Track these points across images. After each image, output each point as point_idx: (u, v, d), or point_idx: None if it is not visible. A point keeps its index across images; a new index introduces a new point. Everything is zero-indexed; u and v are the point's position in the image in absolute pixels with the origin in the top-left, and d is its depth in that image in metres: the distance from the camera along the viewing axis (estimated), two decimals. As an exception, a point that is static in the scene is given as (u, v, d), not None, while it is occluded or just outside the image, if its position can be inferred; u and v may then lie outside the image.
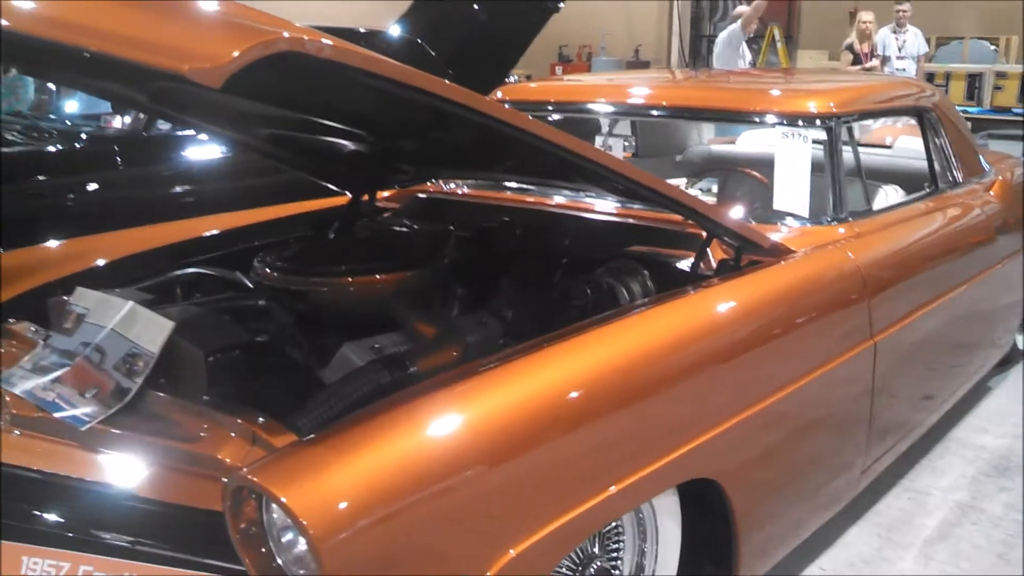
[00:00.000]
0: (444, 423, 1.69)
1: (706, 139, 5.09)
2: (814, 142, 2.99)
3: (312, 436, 1.63)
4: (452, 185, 3.52)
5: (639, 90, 3.64)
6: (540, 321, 2.62)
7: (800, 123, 3.01)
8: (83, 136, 4.42)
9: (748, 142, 4.83)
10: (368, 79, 1.68)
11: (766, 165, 3.68)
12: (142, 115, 4.31)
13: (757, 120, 3.21)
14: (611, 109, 3.57)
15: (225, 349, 1.96)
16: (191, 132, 4.32)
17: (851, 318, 2.67)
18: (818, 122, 3.02)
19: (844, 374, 2.62)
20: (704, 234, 2.73)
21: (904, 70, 9.34)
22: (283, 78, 1.87)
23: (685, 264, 2.68)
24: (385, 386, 2.04)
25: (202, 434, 1.80)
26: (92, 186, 4.11)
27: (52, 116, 4.96)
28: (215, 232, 3.21)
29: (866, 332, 2.72)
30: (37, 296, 2.54)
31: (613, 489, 1.86)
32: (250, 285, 2.73)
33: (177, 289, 2.79)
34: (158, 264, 2.89)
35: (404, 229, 3.07)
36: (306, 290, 2.38)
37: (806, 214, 2.90)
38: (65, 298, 2.23)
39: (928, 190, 3.61)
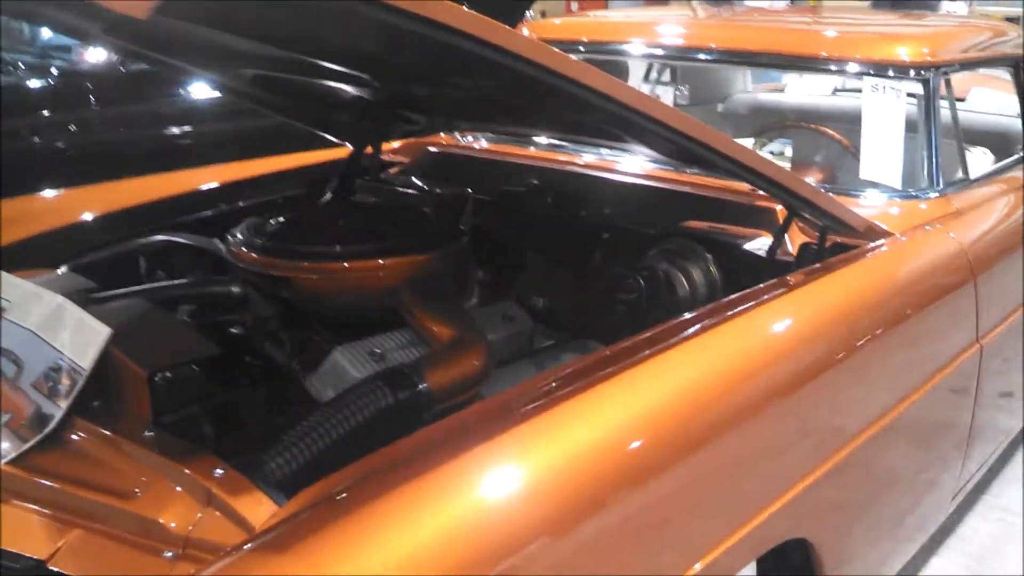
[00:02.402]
0: (496, 488, 1.24)
1: (750, 86, 4.56)
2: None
3: (299, 514, 1.17)
4: (469, 138, 3.03)
5: (688, 31, 3.12)
6: (579, 313, 2.17)
7: (890, 73, 2.50)
8: (53, 70, 3.91)
9: (797, 90, 4.31)
10: (368, 9, 1.22)
11: (834, 121, 3.20)
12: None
13: (835, 69, 2.70)
14: (657, 52, 3.06)
15: (176, 367, 1.49)
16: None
17: (958, 318, 2.20)
18: (912, 72, 2.51)
19: (947, 388, 2.16)
20: (777, 207, 2.25)
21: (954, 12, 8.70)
22: (267, 8, 1.46)
23: (756, 246, 2.20)
24: (387, 411, 1.58)
25: (138, 489, 1.35)
26: (59, 131, 3.60)
27: (24, 45, 4.43)
28: (195, 189, 2.74)
29: (972, 333, 2.25)
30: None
31: (696, 568, 1.41)
32: (227, 258, 2.26)
33: (140, 262, 2.32)
34: (123, 228, 2.43)
35: (413, 192, 2.59)
36: (290, 277, 1.90)
37: (898, 185, 2.41)
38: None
39: (1022, 155, 3.10)
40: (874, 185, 2.46)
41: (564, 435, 1.31)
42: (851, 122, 3.25)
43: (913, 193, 2.44)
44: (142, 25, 1.91)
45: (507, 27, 1.47)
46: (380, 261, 1.89)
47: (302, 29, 1.74)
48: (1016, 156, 3.06)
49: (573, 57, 1.55)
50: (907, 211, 2.38)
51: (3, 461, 1.42)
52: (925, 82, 2.50)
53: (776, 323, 1.76)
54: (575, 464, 1.28)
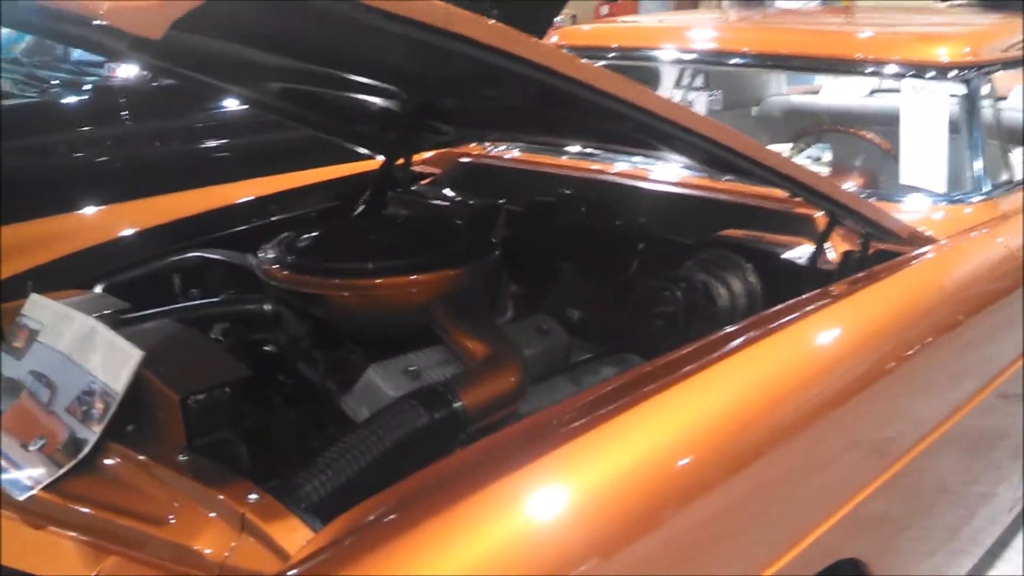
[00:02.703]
0: (541, 510, 1.20)
1: (785, 88, 4.49)
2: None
3: (336, 543, 1.15)
4: (500, 148, 3.00)
5: (721, 34, 3.07)
6: (615, 326, 2.12)
7: (931, 75, 2.44)
8: (86, 86, 3.93)
9: (833, 92, 4.23)
10: (395, 25, 1.20)
11: (873, 123, 3.13)
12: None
13: (872, 71, 2.64)
14: (689, 57, 3.01)
15: (208, 390, 1.47)
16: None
17: (1008, 325, 2.13)
18: (954, 73, 2.45)
19: (999, 397, 2.10)
20: (817, 214, 2.20)
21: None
22: (293, 22, 1.46)
23: (796, 255, 2.15)
24: (422, 432, 1.55)
25: (172, 516, 1.33)
26: (92, 148, 3.62)
27: (57, 61, 4.46)
28: (229, 204, 2.72)
29: (1021, 342, 2.18)
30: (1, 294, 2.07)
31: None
32: (259, 276, 2.25)
33: (175, 280, 2.32)
34: (157, 245, 2.42)
35: (445, 204, 2.57)
36: (322, 294, 1.88)
37: (942, 189, 2.35)
38: (20, 303, 1.75)
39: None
40: (916, 190, 2.40)
41: (610, 455, 1.28)
42: (890, 124, 3.19)
43: (957, 197, 2.38)
44: (163, 42, 1.91)
45: (535, 39, 1.45)
46: (412, 277, 1.86)
47: (328, 43, 1.72)
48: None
49: (601, 66, 1.52)
50: (951, 216, 2.32)
51: (39, 487, 1.40)
52: (967, 82, 2.44)
53: (821, 335, 1.71)
54: (621, 485, 1.25)
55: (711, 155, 1.76)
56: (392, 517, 1.17)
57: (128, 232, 2.51)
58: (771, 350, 1.61)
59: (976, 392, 1.99)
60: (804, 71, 3.46)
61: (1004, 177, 2.55)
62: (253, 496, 1.30)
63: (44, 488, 1.41)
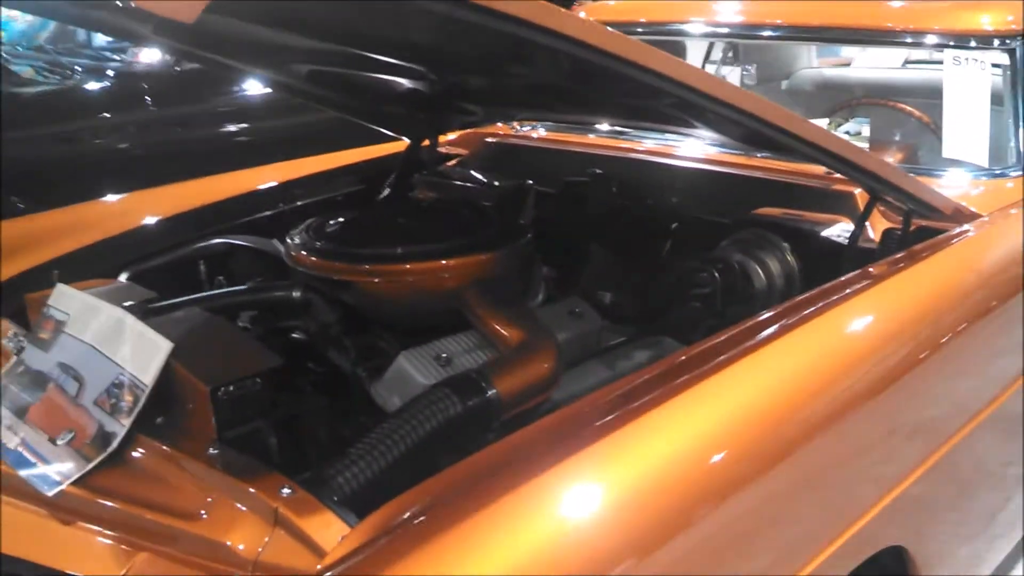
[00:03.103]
0: (577, 508, 1.16)
1: (815, 61, 4.40)
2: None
3: (373, 541, 1.11)
4: (526, 127, 2.95)
5: (753, 6, 2.99)
6: (650, 309, 2.08)
7: (973, 44, 2.36)
8: (109, 72, 3.91)
9: (865, 64, 4.14)
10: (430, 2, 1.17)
11: (907, 95, 3.05)
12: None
13: (912, 41, 2.56)
14: (721, 30, 2.94)
15: (239, 381, 1.44)
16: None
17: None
18: (997, 42, 2.37)
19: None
20: (856, 190, 2.14)
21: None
22: (321, 4, 1.42)
23: (835, 233, 2.09)
24: (455, 420, 1.51)
25: (204, 510, 1.30)
26: (117, 135, 3.59)
27: (80, 48, 4.44)
28: (254, 189, 2.69)
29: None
30: (28, 283, 2.05)
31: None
32: (287, 262, 2.22)
33: (201, 266, 2.29)
34: (182, 231, 2.40)
35: (473, 186, 2.52)
36: (352, 280, 1.85)
37: (985, 163, 2.28)
38: (46, 294, 1.73)
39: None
40: (957, 164, 2.33)
41: (645, 451, 1.23)
42: (925, 96, 3.11)
43: (1000, 171, 2.31)
44: (191, 25, 1.87)
45: (568, 12, 1.40)
46: (444, 262, 1.82)
47: (356, 24, 1.68)
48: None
49: (636, 40, 1.47)
50: (994, 191, 2.25)
51: (68, 481, 1.38)
52: (1011, 52, 2.36)
53: (864, 319, 1.65)
54: (658, 482, 1.21)
55: (751, 131, 1.70)
56: (428, 515, 1.14)
57: (152, 219, 2.49)
58: (811, 336, 1.55)
59: (1018, 373, 1.92)
60: (842, 43, 3.37)
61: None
62: (287, 490, 1.27)
63: (73, 483, 1.39)
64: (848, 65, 4.22)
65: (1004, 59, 2.36)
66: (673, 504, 1.21)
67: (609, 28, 1.42)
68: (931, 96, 3.12)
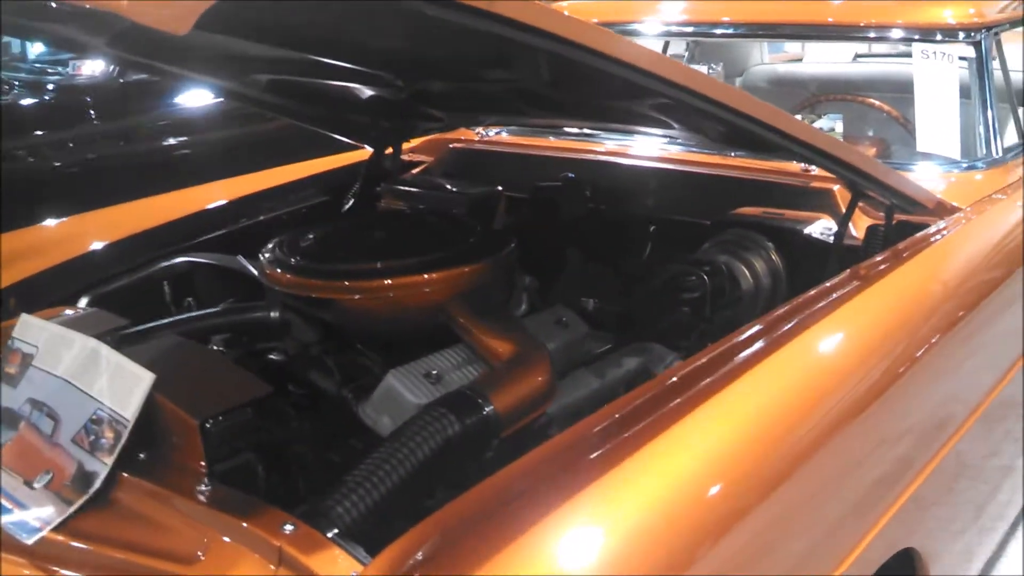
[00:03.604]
0: (576, 556, 1.11)
1: (767, 57, 4.41)
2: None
3: None
4: (491, 132, 2.89)
5: (710, 5, 2.97)
6: (636, 314, 2.04)
7: (939, 37, 2.37)
8: (50, 87, 3.76)
9: (816, 60, 4.17)
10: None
11: (861, 89, 3.07)
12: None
13: (876, 36, 2.57)
14: (685, 29, 2.92)
15: (229, 412, 1.36)
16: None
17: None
18: (962, 35, 2.38)
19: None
20: (835, 187, 2.13)
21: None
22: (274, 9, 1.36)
23: (818, 231, 2.07)
24: (454, 441, 1.45)
25: (201, 552, 1.22)
26: (62, 153, 3.44)
27: (15, 60, 4.27)
28: (213, 205, 2.60)
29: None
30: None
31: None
32: (255, 273, 2.14)
33: (165, 288, 2.19)
34: (140, 253, 2.30)
35: (443, 194, 2.46)
36: (331, 298, 1.77)
37: (957, 155, 2.28)
38: (10, 326, 1.63)
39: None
40: (928, 157, 2.33)
41: (644, 489, 1.17)
42: (880, 90, 3.13)
43: (969, 164, 2.31)
44: (150, 36, 1.78)
45: (555, 10, 1.34)
46: (429, 275, 1.76)
47: (321, 29, 1.62)
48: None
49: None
50: (967, 183, 2.25)
51: (49, 527, 1.29)
52: (976, 44, 2.37)
53: (861, 322, 1.61)
54: (658, 520, 1.15)
55: (735, 129, 1.66)
56: (440, 558, 1.08)
57: (107, 241, 2.38)
58: (808, 347, 1.51)
59: (1012, 364, 1.93)
60: (806, 39, 3.37)
61: (1015, 141, 2.49)
62: (289, 527, 1.20)
63: (53, 529, 1.30)
64: (800, 60, 4.24)
65: (970, 52, 2.37)
66: (679, 542, 1.16)
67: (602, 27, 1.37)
68: (887, 90, 3.15)
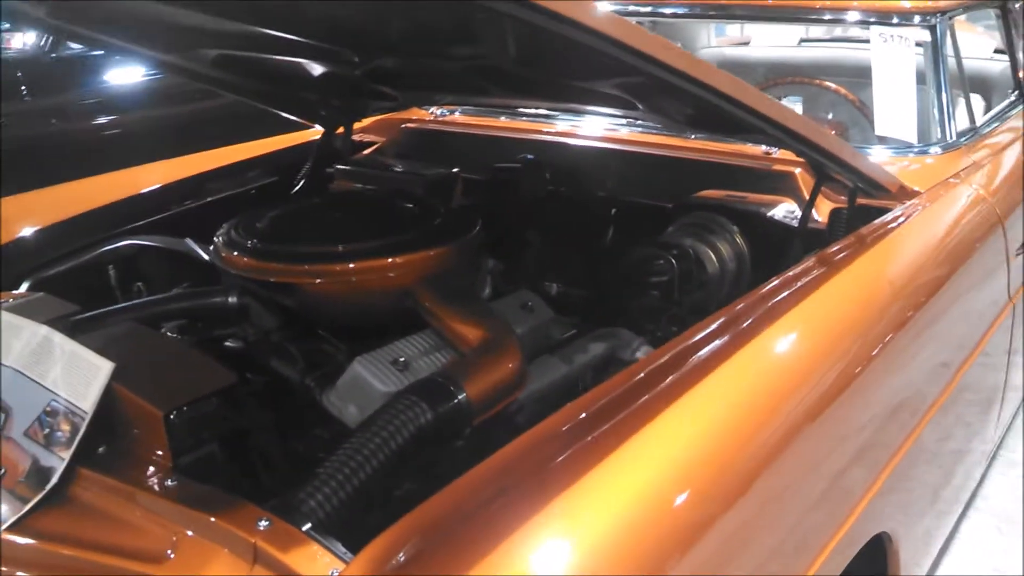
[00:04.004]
0: (560, 549, 1.08)
1: (714, 40, 4.42)
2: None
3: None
4: (443, 111, 2.83)
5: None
6: (602, 299, 2.01)
7: (895, 21, 2.38)
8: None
9: (764, 44, 4.18)
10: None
11: (807, 73, 3.09)
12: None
13: (831, 18, 2.57)
14: (641, 9, 2.89)
15: (195, 402, 1.30)
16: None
17: (994, 278, 2.10)
18: (918, 19, 2.40)
19: (989, 353, 2.07)
20: (796, 170, 2.13)
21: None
22: None
23: (781, 214, 2.07)
24: (427, 429, 1.41)
25: (170, 550, 1.16)
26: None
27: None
28: (156, 186, 2.50)
29: (1005, 293, 2.16)
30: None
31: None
32: (205, 257, 2.06)
33: (110, 272, 2.10)
34: (81, 236, 2.20)
35: (398, 175, 2.40)
36: (293, 283, 1.71)
37: (914, 139, 2.30)
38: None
39: (1016, 99, 3.02)
40: (883, 141, 2.35)
41: (616, 496, 1.15)
42: (828, 74, 3.15)
43: (921, 148, 2.33)
44: (92, 6, 1.69)
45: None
46: (395, 259, 1.70)
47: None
48: (1009, 100, 2.98)
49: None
50: (924, 167, 2.27)
51: (4, 527, 1.22)
52: (932, 28, 2.39)
53: (827, 312, 1.59)
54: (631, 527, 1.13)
55: (709, 109, 1.62)
56: (425, 556, 1.04)
57: (45, 224, 2.27)
58: (776, 340, 1.49)
59: (975, 347, 1.95)
60: (762, 21, 3.36)
61: (966, 125, 2.52)
62: (264, 522, 1.15)
63: (8, 528, 1.22)
64: (747, 44, 4.26)
65: (926, 36, 2.39)
66: (648, 550, 1.13)
67: None
68: (835, 74, 3.17)
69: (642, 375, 1.37)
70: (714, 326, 1.49)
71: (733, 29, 5.16)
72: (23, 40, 3.57)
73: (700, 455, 1.24)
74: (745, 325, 1.49)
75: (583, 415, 1.29)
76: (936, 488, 2.01)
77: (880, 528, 1.55)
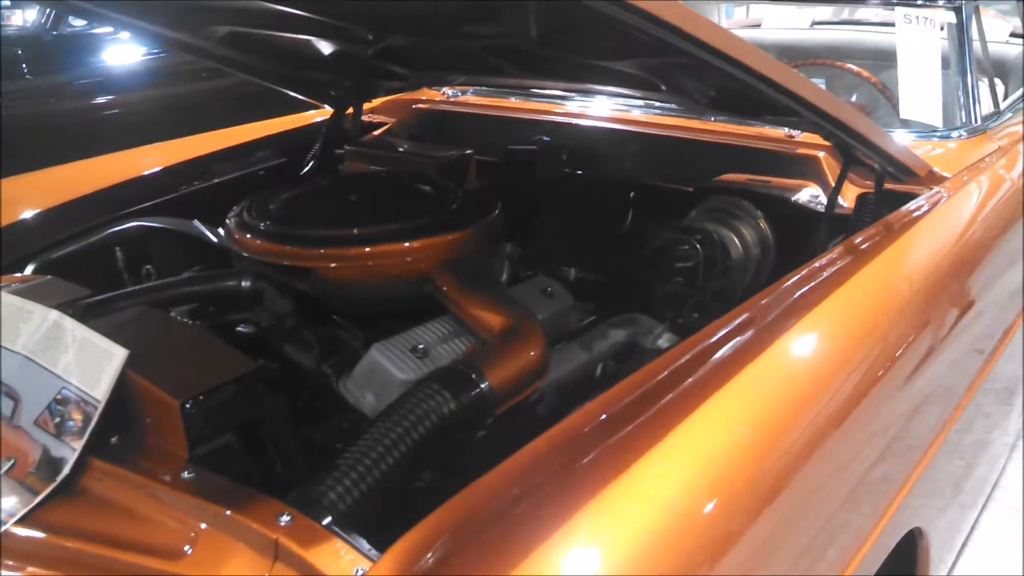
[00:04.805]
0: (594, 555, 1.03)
1: (726, 22, 4.36)
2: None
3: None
4: (455, 92, 2.77)
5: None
6: (623, 284, 1.96)
7: (921, 2, 2.33)
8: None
9: (776, 26, 4.12)
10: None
11: (821, 55, 3.03)
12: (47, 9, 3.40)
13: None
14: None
15: (212, 391, 1.25)
16: (110, 29, 3.47)
17: (1017, 260, 2.05)
18: (943, 0, 2.34)
19: (1015, 344, 2.02)
20: (820, 153, 2.07)
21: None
22: None
23: (806, 199, 2.02)
24: (449, 419, 1.36)
25: (188, 546, 1.11)
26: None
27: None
28: (163, 167, 2.44)
29: (1029, 278, 2.11)
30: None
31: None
32: (213, 239, 2.01)
33: (117, 255, 2.05)
34: (86, 217, 2.14)
35: (410, 156, 2.35)
36: (307, 267, 1.66)
37: (939, 123, 2.25)
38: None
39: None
40: (906, 124, 2.30)
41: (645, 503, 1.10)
42: (843, 56, 3.09)
43: (944, 133, 2.28)
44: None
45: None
46: (415, 243, 1.65)
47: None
48: (1031, 85, 2.92)
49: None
50: (948, 151, 2.22)
51: (14, 519, 1.17)
52: (957, 9, 2.33)
53: (859, 302, 1.54)
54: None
55: (743, 90, 1.56)
56: (454, 558, 1.00)
57: (50, 205, 2.22)
58: (806, 332, 1.44)
59: (1004, 336, 1.90)
60: (781, 1, 3.30)
61: (991, 109, 2.47)
62: (285, 517, 1.10)
63: (20, 520, 1.18)
64: (758, 27, 4.19)
65: (951, 17, 2.33)
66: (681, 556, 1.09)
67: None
68: (850, 56, 3.12)
69: (666, 373, 1.32)
70: (739, 321, 1.44)
71: (739, 11, 5.11)
72: (23, 17, 3.50)
73: (729, 459, 1.19)
74: (772, 320, 1.44)
75: (606, 415, 1.24)
76: (960, 481, 1.97)
77: (913, 524, 1.51)
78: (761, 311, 1.47)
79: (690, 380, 1.30)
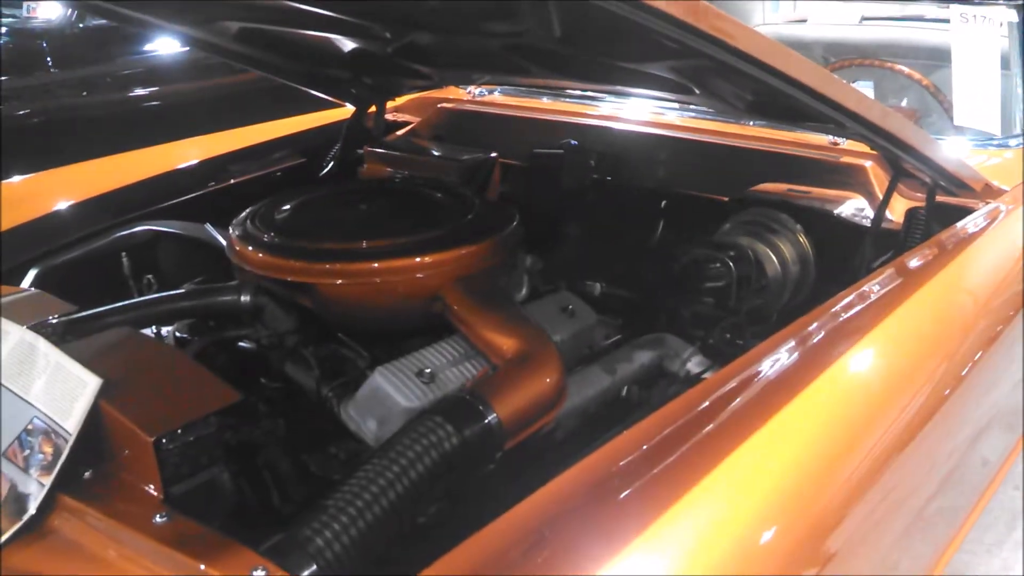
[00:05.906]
0: None
1: (771, 17, 4.20)
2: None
3: None
4: (481, 91, 2.66)
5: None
6: (651, 302, 1.84)
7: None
8: (2, 30, 3.47)
9: (822, 22, 3.95)
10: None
11: (867, 53, 2.87)
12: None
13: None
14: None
15: (189, 426, 1.15)
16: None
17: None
18: (1003, -2, 2.18)
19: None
20: (867, 163, 1.93)
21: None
22: None
23: (848, 211, 1.88)
24: (452, 456, 1.25)
25: (157, 600, 1.02)
26: (14, 103, 3.16)
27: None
28: (177, 167, 2.37)
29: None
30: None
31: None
32: (224, 243, 1.92)
33: (123, 259, 1.97)
34: (96, 219, 2.07)
35: (432, 159, 2.24)
36: (313, 283, 1.56)
37: (997, 131, 2.09)
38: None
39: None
40: (961, 131, 2.15)
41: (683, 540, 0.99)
42: (893, 55, 2.93)
43: (1001, 141, 2.13)
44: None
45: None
46: (424, 258, 1.54)
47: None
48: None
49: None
50: (1005, 161, 2.07)
51: (-29, 564, 1.08)
52: (1019, 7, 2.17)
53: (911, 329, 1.41)
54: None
55: (778, 97, 1.43)
56: None
57: (60, 206, 2.15)
58: (860, 356, 1.33)
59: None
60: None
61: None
62: (259, 572, 1.00)
63: (-19, 562, 1.09)
64: (804, 22, 4.03)
65: (1012, 16, 2.17)
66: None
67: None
68: (899, 55, 2.95)
69: (707, 403, 1.20)
70: (787, 346, 1.32)
71: (786, 6, 4.93)
72: (49, 11, 3.45)
73: (782, 498, 1.08)
74: (822, 343, 1.32)
75: (645, 446, 1.13)
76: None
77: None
78: (807, 336, 1.35)
79: (735, 408, 1.19)
